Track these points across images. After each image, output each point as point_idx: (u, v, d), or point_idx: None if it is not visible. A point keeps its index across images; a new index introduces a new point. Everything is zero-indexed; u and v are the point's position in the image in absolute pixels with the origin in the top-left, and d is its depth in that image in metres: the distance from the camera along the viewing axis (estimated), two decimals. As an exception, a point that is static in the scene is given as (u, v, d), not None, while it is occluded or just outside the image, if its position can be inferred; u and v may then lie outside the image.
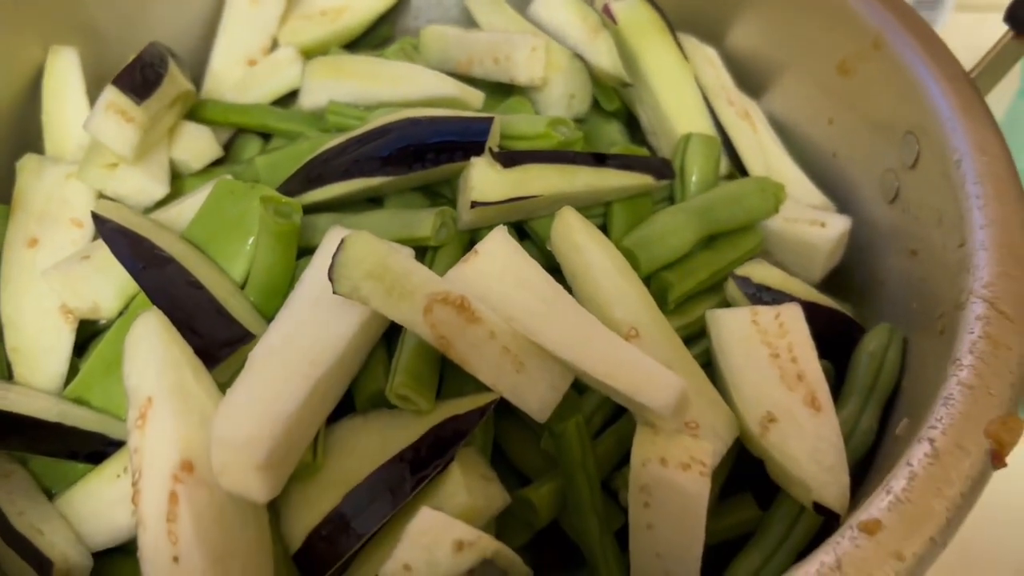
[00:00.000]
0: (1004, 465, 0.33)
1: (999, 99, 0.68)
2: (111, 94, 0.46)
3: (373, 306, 0.36)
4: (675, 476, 0.36)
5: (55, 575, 0.37)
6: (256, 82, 0.57)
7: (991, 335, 0.36)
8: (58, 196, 0.48)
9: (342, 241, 0.35)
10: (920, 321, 0.43)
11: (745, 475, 0.42)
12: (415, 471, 0.37)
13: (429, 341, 0.37)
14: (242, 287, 0.45)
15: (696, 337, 0.45)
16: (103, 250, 0.45)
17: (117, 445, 0.41)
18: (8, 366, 0.44)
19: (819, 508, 0.38)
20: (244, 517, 0.36)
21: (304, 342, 0.37)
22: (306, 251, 0.45)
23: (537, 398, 0.37)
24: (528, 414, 0.37)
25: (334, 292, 0.36)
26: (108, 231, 0.44)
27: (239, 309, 0.42)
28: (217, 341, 0.40)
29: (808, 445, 0.39)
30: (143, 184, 0.48)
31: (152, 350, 0.38)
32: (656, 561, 0.37)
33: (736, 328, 0.43)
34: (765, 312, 0.43)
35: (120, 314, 0.45)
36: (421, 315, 0.36)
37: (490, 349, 0.37)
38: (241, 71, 0.57)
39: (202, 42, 0.59)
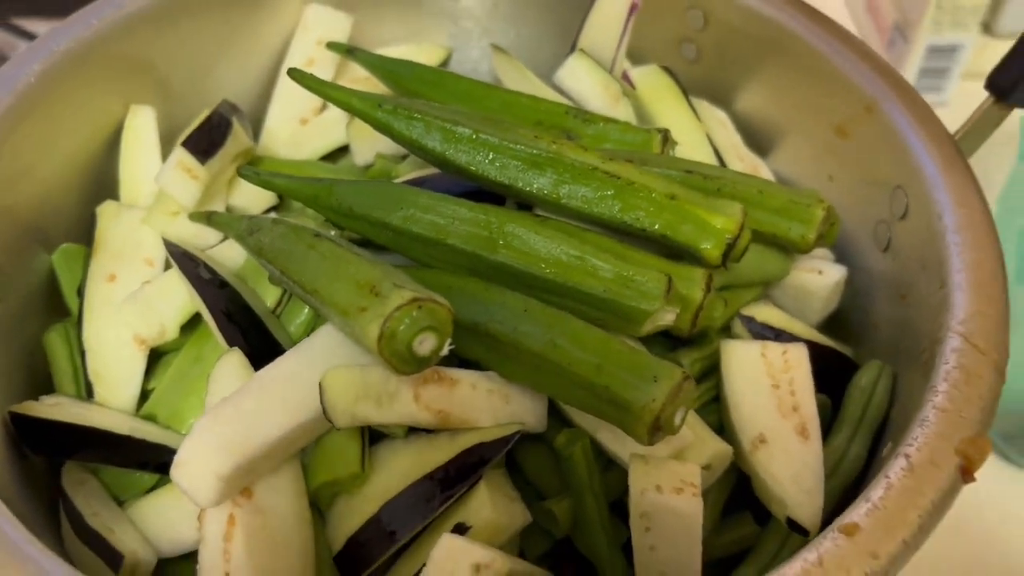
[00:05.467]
0: (973, 480, 0.37)
1: (1000, 165, 0.72)
2: (180, 154, 0.53)
3: (374, 422, 0.41)
4: (670, 501, 0.40)
5: (125, 567, 0.41)
6: (307, 140, 0.63)
7: (964, 365, 0.40)
8: (132, 238, 0.53)
9: (320, 386, 0.39)
10: (908, 358, 0.47)
11: (746, 496, 0.46)
12: (444, 489, 0.41)
13: (430, 425, 0.41)
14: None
15: (709, 373, 0.49)
16: (164, 279, 0.51)
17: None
18: (89, 387, 0.49)
19: (791, 524, 0.42)
20: (290, 542, 0.40)
21: (300, 383, 0.41)
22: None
23: (531, 416, 0.43)
24: (532, 430, 0.43)
25: (337, 429, 0.40)
26: (177, 254, 0.50)
27: (277, 331, 0.48)
28: (260, 354, 0.45)
29: (791, 468, 0.43)
30: (200, 229, 0.54)
31: (232, 388, 0.42)
32: (660, 578, 0.41)
33: (745, 357, 0.47)
34: (774, 348, 0.48)
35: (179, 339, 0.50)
36: (415, 405, 0.41)
37: (479, 398, 0.42)
38: (294, 129, 0.63)
39: (261, 101, 0.65)
